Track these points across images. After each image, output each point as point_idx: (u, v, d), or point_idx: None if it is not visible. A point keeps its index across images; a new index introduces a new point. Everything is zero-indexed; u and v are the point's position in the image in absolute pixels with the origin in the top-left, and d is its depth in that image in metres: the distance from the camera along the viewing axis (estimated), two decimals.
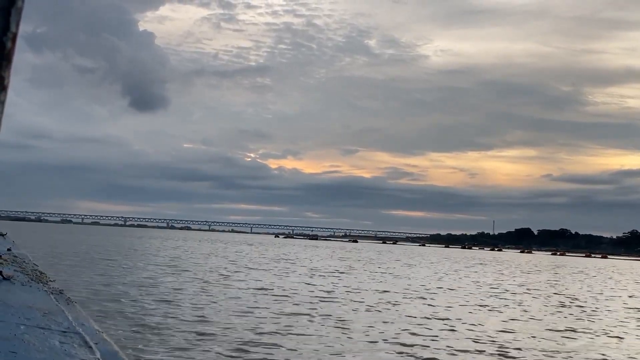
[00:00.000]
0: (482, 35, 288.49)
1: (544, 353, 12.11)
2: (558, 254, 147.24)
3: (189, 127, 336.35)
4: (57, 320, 2.08)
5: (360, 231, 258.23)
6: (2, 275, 2.71)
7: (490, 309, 19.17)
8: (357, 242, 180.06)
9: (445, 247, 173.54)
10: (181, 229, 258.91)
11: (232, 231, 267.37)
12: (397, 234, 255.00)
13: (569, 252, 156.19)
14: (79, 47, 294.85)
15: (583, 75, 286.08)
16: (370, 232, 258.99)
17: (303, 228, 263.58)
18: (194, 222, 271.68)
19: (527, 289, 29.08)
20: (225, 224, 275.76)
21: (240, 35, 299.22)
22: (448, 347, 12.01)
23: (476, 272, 43.11)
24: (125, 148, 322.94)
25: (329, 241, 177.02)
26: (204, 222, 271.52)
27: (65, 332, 1.94)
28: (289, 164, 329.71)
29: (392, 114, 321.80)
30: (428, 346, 11.97)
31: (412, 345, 11.88)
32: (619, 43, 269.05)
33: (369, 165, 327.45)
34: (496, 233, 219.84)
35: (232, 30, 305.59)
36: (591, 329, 15.99)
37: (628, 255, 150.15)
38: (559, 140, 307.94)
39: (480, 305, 19.93)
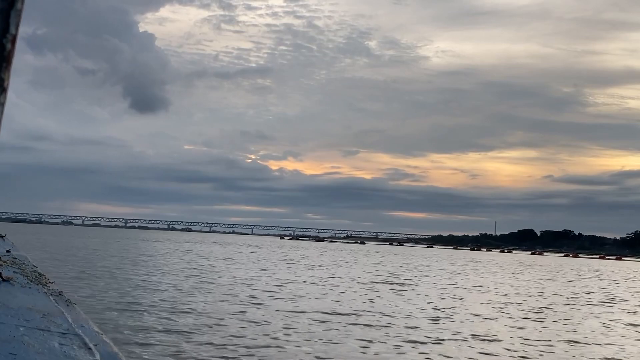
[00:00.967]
0: (483, 36, 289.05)
1: None
2: (570, 255, 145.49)
3: (189, 128, 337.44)
4: (56, 321, 2.08)
5: (361, 232, 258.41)
6: (2, 277, 2.71)
7: None
8: (364, 243, 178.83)
9: (454, 248, 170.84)
10: (182, 230, 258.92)
11: (233, 232, 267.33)
12: (398, 235, 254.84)
13: (580, 254, 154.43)
14: (79, 48, 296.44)
15: (584, 76, 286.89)
16: (372, 233, 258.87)
17: (304, 229, 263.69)
18: (195, 224, 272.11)
19: None
20: (226, 225, 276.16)
21: (240, 36, 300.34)
22: None
23: (571, 280, 41.10)
24: (126, 150, 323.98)
25: (335, 243, 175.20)
26: (205, 224, 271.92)
27: (64, 333, 1.94)
28: (290, 165, 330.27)
29: (392, 115, 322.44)
30: None
31: None
32: (620, 44, 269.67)
33: (369, 166, 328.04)
34: (498, 234, 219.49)
35: (233, 31, 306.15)
36: None
37: (634, 256, 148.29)
38: (560, 141, 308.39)
39: None
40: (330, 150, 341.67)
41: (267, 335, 12.43)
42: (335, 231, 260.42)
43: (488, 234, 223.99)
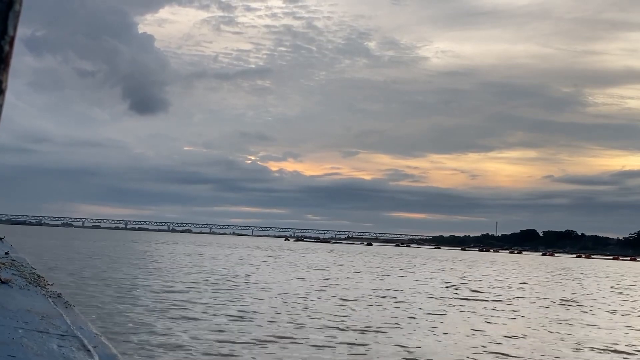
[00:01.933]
0: (482, 36, 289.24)
1: None
2: (583, 256, 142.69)
3: (189, 130, 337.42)
4: (55, 323, 2.08)
5: (361, 233, 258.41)
6: (0, 279, 2.71)
7: None
8: (371, 245, 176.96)
9: (461, 249, 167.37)
10: (182, 232, 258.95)
11: (233, 234, 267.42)
12: (399, 235, 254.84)
13: (592, 255, 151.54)
14: (79, 50, 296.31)
15: (584, 77, 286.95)
16: (372, 234, 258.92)
17: (304, 231, 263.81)
18: (195, 225, 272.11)
19: None
20: (226, 226, 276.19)
21: (240, 37, 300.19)
22: None
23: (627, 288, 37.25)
24: (126, 151, 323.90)
25: (342, 244, 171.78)
26: (205, 225, 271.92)
27: (63, 335, 1.94)
28: (290, 166, 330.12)
29: (392, 115, 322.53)
30: None
31: None
32: (620, 44, 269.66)
33: (369, 167, 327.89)
34: (500, 235, 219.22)
35: (232, 32, 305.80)
36: None
37: (638, 256, 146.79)
38: (560, 141, 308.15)
39: None
40: (330, 151, 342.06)
41: None
42: (336, 232, 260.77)
43: (490, 234, 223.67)
